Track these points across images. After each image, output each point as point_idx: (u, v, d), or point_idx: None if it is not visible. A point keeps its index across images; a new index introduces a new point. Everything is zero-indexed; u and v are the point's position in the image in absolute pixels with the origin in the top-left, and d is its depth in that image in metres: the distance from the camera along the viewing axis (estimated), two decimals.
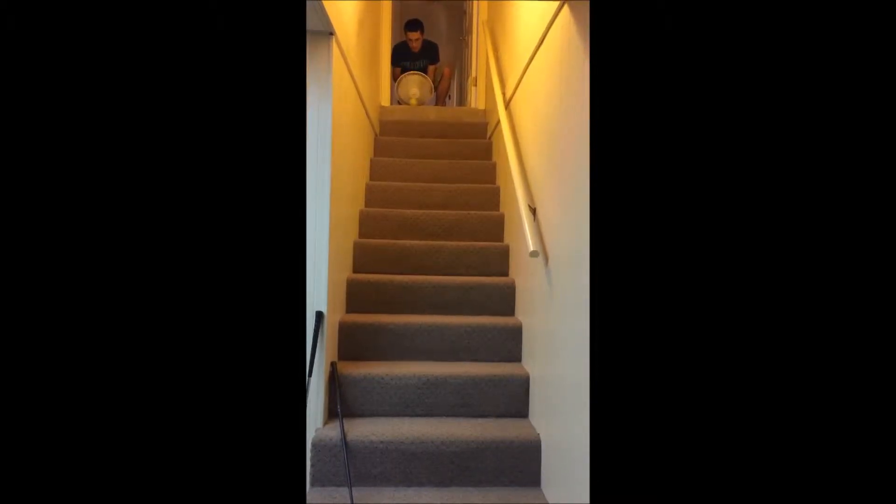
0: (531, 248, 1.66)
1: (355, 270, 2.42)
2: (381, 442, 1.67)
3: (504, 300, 2.28)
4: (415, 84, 3.73)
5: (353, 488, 1.62)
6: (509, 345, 2.09)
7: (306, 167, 1.71)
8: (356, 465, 1.66)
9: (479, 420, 1.85)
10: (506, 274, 2.47)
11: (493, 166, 3.04)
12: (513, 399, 1.90)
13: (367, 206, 2.77)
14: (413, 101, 3.71)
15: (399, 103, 3.95)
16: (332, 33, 1.72)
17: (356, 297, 2.23)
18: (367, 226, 2.61)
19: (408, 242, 2.47)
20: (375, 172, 2.98)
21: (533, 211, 1.82)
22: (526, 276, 2.06)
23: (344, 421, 1.75)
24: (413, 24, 3.83)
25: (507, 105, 2.51)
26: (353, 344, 2.04)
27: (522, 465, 1.70)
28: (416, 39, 3.84)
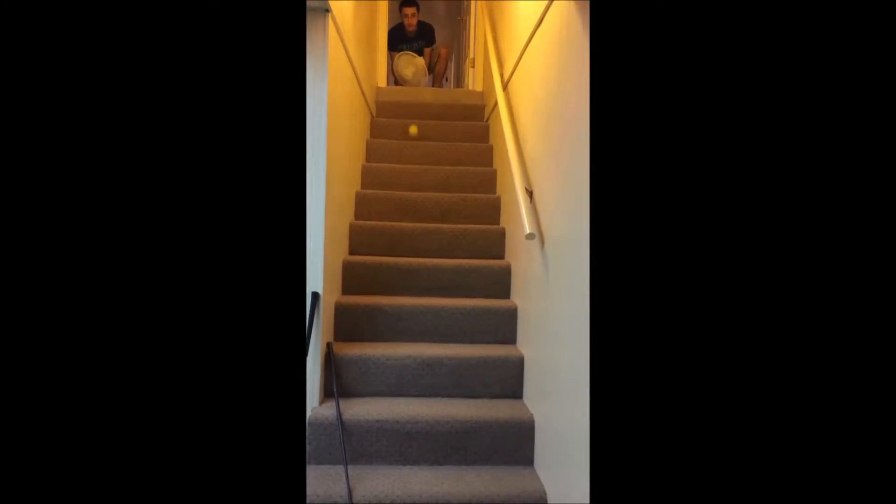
0: (527, 230, 1.66)
1: (351, 252, 2.42)
2: (377, 421, 1.68)
3: (500, 283, 2.28)
4: (410, 63, 3.70)
5: (349, 466, 1.64)
6: (504, 327, 2.10)
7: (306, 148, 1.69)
8: (352, 444, 1.68)
9: (474, 401, 1.87)
10: (502, 257, 2.48)
11: (490, 149, 3.03)
12: (507, 380, 1.92)
13: (363, 187, 2.76)
14: (408, 74, 3.68)
15: (396, 83, 3.91)
16: (328, 10, 1.69)
17: (352, 278, 2.23)
18: (363, 208, 2.60)
19: (404, 225, 2.46)
20: (371, 154, 2.96)
21: (529, 193, 1.81)
22: (522, 259, 2.07)
23: (340, 401, 1.77)
24: (409, 0, 3.78)
25: (504, 87, 2.48)
26: (349, 325, 2.05)
27: (516, 444, 1.72)
28: (412, 15, 3.79)
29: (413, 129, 2.98)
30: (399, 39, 3.89)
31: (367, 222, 2.46)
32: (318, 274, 1.74)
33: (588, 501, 1.17)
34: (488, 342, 2.09)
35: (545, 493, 1.54)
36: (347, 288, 2.23)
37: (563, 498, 1.38)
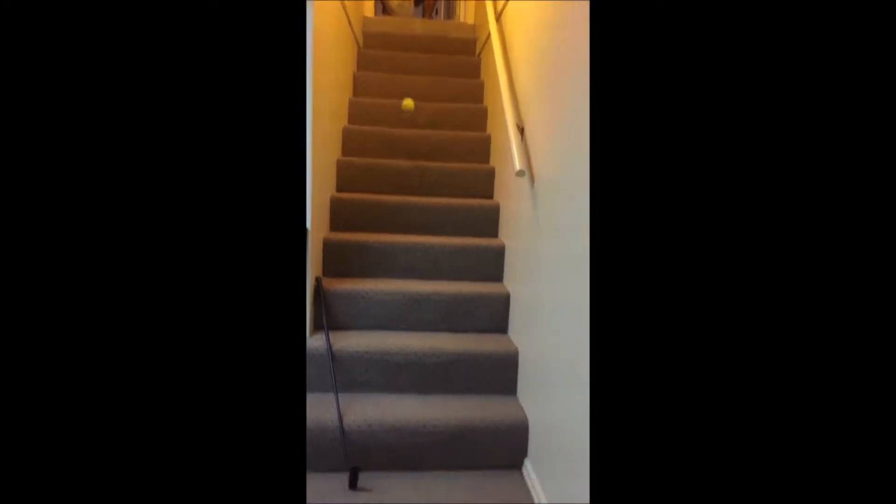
0: (518, 167, 1.65)
1: (339, 189, 2.40)
2: (366, 353, 1.74)
3: (488, 222, 2.30)
4: None
5: (339, 394, 1.71)
6: (492, 265, 2.14)
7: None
8: (342, 374, 1.74)
9: (461, 335, 1.93)
10: (490, 196, 2.47)
11: (482, 85, 2.95)
12: (493, 315, 1.97)
13: (350, 123, 2.69)
14: (393, 3, 3.51)
15: (384, 12, 3.74)
16: None
17: (340, 215, 2.23)
18: (351, 143, 2.55)
19: (392, 162, 2.43)
20: (359, 88, 2.87)
21: (521, 130, 1.79)
22: (511, 198, 2.07)
23: (330, 333, 1.81)
24: None
25: (497, 18, 2.39)
26: (338, 261, 2.06)
27: (500, 375, 1.79)
28: None
29: (408, 104, 2.50)
30: None
31: (355, 159, 2.43)
32: (306, 210, 1.74)
33: (565, 424, 1.24)
34: (475, 279, 2.13)
35: (527, 419, 1.63)
36: (335, 224, 2.22)
37: (543, 423, 1.46)
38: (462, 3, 4.23)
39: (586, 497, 1.11)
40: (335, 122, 2.34)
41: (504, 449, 1.62)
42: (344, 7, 2.34)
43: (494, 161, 2.51)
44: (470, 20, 3.76)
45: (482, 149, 2.63)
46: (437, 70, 3.06)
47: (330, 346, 1.72)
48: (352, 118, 2.70)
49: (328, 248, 2.05)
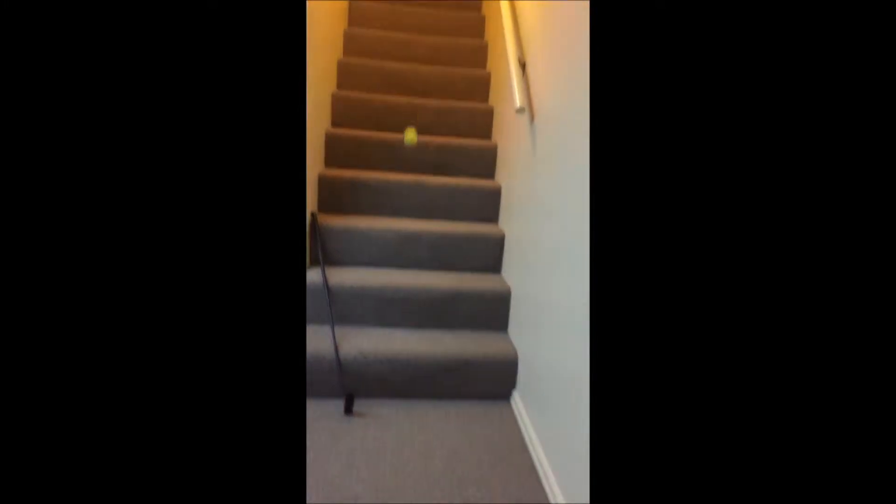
0: (518, 104, 1.62)
1: (334, 124, 2.35)
2: (361, 288, 1.76)
3: (485, 162, 2.27)
4: None
5: (335, 326, 1.75)
6: (487, 206, 2.14)
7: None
8: (336, 307, 1.77)
9: (456, 273, 1.95)
10: (489, 136, 2.44)
11: (483, 20, 2.84)
12: (488, 256, 2.00)
13: (345, 55, 2.60)
14: None
15: None
16: None
17: (335, 152, 2.19)
18: (346, 78, 2.47)
19: (388, 98, 2.37)
20: (354, 17, 2.75)
21: (522, 66, 1.74)
22: (510, 139, 2.04)
23: (325, 267, 1.83)
24: None
25: None
26: (333, 197, 2.05)
27: (493, 312, 1.84)
28: None
29: (411, 137, 2.22)
30: None
31: (350, 93, 2.36)
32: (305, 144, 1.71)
33: (552, 359, 1.29)
34: (471, 220, 2.14)
35: (516, 354, 1.68)
36: (330, 160, 2.20)
37: (531, 357, 1.52)
38: None
39: (567, 422, 1.17)
40: (329, 54, 2.25)
41: (493, 381, 1.69)
42: None
43: (494, 100, 2.46)
44: None
45: (481, 87, 2.56)
46: (437, 1, 2.93)
47: (326, 279, 1.75)
48: (347, 51, 2.61)
49: (323, 184, 2.03)
